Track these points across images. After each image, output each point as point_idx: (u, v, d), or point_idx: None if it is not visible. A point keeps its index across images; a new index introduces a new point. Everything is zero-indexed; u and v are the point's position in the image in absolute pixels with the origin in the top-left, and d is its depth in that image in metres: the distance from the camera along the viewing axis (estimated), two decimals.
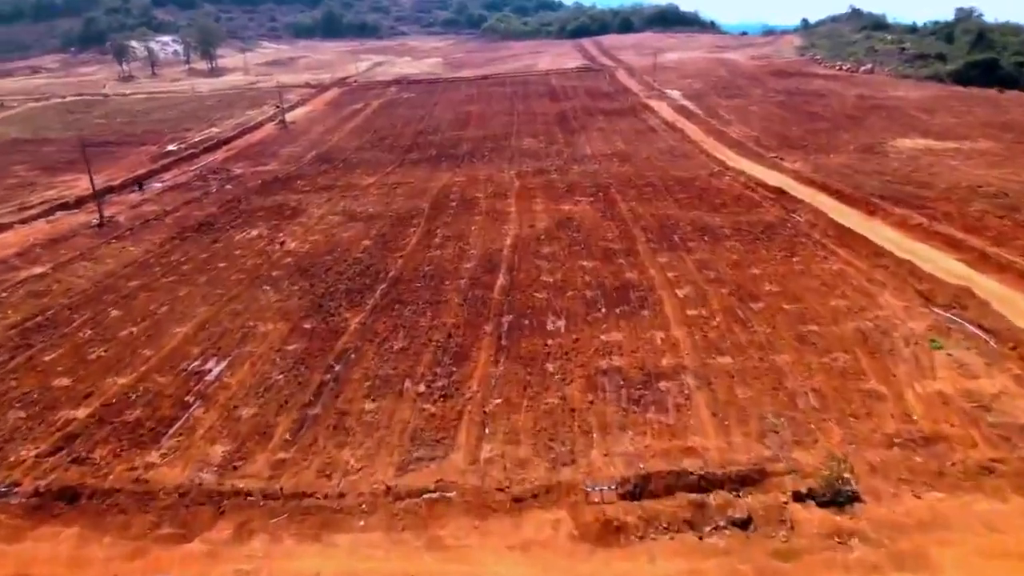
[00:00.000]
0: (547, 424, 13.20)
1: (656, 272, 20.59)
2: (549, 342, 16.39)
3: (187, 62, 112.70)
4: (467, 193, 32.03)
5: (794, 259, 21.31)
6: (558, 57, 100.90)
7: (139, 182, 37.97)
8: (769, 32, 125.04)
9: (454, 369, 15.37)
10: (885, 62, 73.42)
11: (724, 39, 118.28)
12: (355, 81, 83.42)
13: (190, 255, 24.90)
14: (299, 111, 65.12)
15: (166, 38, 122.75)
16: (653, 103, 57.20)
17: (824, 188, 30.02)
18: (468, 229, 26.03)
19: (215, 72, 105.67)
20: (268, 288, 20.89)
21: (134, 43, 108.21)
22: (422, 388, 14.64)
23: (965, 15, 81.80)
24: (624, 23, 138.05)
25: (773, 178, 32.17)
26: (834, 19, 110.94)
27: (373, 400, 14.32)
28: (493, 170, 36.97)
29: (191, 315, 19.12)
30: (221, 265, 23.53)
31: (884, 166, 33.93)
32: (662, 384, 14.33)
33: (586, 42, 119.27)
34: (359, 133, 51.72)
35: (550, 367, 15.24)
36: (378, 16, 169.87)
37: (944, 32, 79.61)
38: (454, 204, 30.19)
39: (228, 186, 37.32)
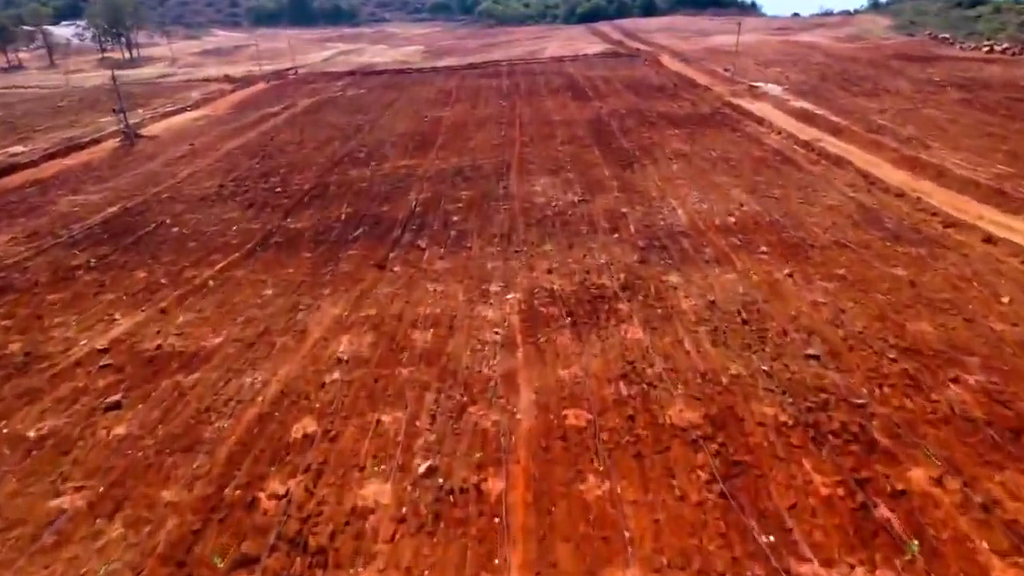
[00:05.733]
0: None
1: None
2: None
3: (102, 50, 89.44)
4: (342, 454, 8.83)
5: None
6: (570, 42, 77.46)
7: None
8: (827, 13, 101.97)
9: None
10: None
11: (777, 20, 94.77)
12: (294, 73, 60.16)
13: None
14: (185, 116, 42.01)
15: (83, 22, 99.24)
16: (746, 104, 33.99)
17: None
18: None
19: (134, 62, 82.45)
20: None
21: (28, 27, 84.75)
22: None
23: None
24: (646, 4, 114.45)
25: None
26: None
27: None
28: (460, 283, 13.89)
29: None
30: None
31: None
32: None
33: (603, 26, 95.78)
34: (234, 161, 28.50)
35: None
36: (356, 0, 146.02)
37: None
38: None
39: None
